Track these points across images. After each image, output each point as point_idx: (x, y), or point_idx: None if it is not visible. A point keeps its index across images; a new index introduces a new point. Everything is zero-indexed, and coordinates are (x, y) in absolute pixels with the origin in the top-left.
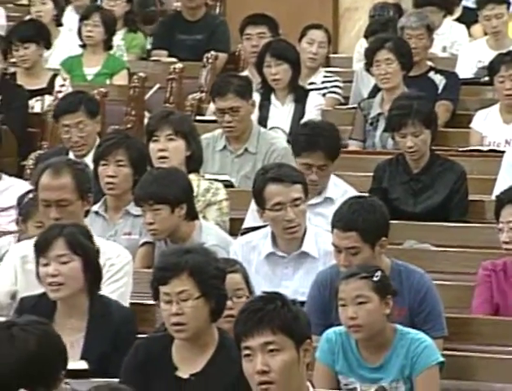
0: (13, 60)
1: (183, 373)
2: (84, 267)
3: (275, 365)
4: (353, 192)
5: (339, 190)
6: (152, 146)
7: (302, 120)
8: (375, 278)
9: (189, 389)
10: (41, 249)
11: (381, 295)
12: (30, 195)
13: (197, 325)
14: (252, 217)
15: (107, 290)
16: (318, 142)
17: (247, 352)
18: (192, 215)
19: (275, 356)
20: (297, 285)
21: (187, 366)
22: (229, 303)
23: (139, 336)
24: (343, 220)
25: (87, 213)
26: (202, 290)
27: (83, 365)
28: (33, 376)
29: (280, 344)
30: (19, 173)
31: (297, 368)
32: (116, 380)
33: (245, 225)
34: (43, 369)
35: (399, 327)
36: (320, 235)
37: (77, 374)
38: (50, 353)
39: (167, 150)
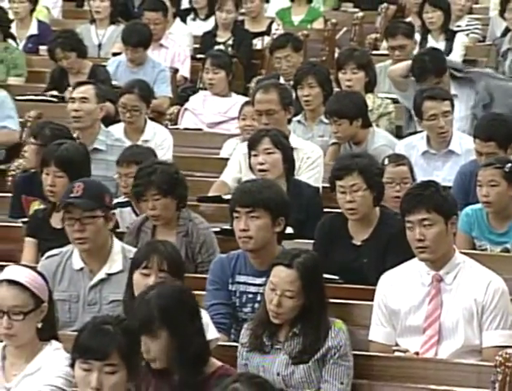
0: (242, 11)
1: (356, 241)
2: (283, 159)
3: (429, 235)
4: None
5: None
6: (341, 76)
7: (450, 56)
8: (506, 169)
9: (361, 251)
10: (252, 145)
11: (509, 181)
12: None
13: (365, 210)
14: None
15: (305, 176)
16: None
17: (409, 224)
18: (367, 124)
19: (429, 229)
20: (445, 174)
21: (359, 236)
22: (397, 187)
23: (327, 209)
24: (484, 133)
25: (289, 121)
26: (368, 184)
27: (289, 230)
28: None
29: (432, 220)
30: (245, 92)
31: (445, 237)
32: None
33: None
34: None
35: None
36: (462, 138)
37: (284, 236)
38: None
39: (352, 80)
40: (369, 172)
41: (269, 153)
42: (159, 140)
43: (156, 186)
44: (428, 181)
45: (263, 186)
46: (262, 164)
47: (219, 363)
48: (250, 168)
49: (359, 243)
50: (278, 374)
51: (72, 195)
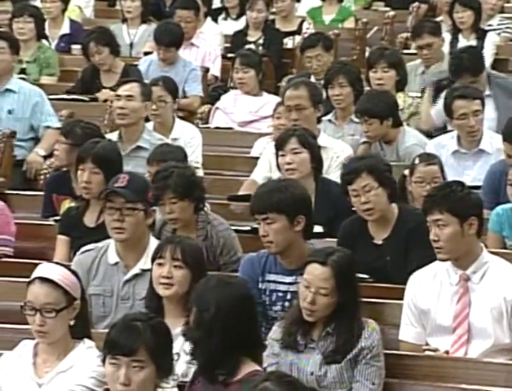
0: (273, 10)
1: (377, 240)
2: (311, 158)
3: (442, 236)
4: None
5: None
6: (372, 75)
7: None
8: None
9: (383, 250)
10: (279, 145)
11: None
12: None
13: (381, 208)
14: None
15: (334, 175)
16: None
17: (428, 224)
18: (397, 123)
19: (442, 229)
20: (476, 174)
21: (379, 235)
22: (427, 187)
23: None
24: None
25: (319, 119)
26: (379, 182)
27: (319, 229)
28: None
29: (445, 221)
30: (276, 91)
31: (461, 238)
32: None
33: None
34: None
35: None
36: (492, 137)
37: (314, 235)
38: None
39: (383, 79)
40: (378, 170)
41: (296, 153)
42: (188, 138)
43: (172, 190)
44: (450, 182)
45: (274, 189)
46: (289, 163)
47: (256, 367)
48: (278, 168)
49: (380, 243)
50: (312, 373)
51: (116, 184)
